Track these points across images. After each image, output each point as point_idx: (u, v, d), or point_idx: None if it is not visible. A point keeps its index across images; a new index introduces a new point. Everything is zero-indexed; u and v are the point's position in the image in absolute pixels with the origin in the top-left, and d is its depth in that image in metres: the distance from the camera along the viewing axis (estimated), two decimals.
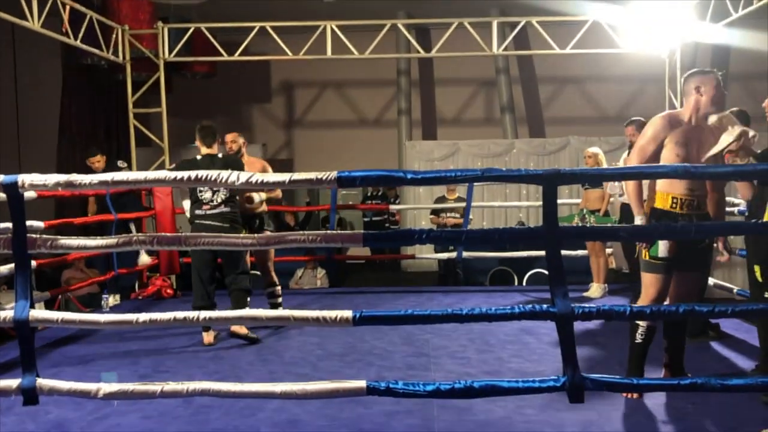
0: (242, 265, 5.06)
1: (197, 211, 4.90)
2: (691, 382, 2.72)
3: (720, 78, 3.51)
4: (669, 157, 3.46)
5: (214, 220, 4.82)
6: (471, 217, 7.88)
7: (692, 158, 3.43)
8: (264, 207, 5.51)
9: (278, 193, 5.62)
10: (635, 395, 3.58)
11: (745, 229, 3.63)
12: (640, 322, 3.62)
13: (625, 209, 5.74)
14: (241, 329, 4.98)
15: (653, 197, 3.57)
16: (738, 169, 3.11)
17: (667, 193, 3.49)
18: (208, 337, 4.97)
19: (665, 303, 3.53)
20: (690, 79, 3.54)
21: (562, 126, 12.37)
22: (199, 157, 4.99)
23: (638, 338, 3.62)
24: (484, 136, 12.36)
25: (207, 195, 4.87)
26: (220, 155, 5.02)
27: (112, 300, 6.59)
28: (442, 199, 8.89)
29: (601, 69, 11.63)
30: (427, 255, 8.92)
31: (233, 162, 4.95)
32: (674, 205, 3.47)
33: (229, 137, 5.44)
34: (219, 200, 4.86)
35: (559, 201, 2.80)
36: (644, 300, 3.57)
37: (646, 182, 3.62)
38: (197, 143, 5.05)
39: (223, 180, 2.73)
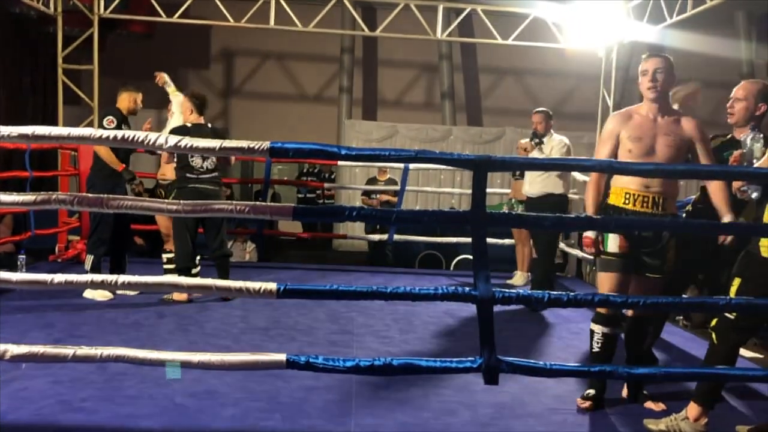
0: (224, 231, 5.38)
1: (189, 175, 5.16)
2: (600, 369, 2.83)
3: (663, 60, 3.32)
4: (621, 152, 3.32)
5: (208, 184, 5.17)
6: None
7: (650, 152, 3.27)
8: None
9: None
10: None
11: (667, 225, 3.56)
12: (596, 329, 3.44)
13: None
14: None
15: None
16: (658, 167, 3.20)
17: (621, 188, 3.32)
18: (181, 295, 5.14)
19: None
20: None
21: (499, 116, 12.56)
22: (189, 124, 5.21)
23: (594, 347, 3.45)
24: (423, 120, 12.42)
25: (197, 161, 5.14)
26: (209, 125, 5.31)
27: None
28: (373, 181, 8.89)
29: (540, 63, 11.82)
30: (358, 235, 8.92)
31: (222, 133, 5.30)
32: (627, 201, 3.29)
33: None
34: (210, 167, 5.18)
35: (490, 190, 2.83)
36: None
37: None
38: (185, 111, 5.28)
39: (150, 142, 2.65)
